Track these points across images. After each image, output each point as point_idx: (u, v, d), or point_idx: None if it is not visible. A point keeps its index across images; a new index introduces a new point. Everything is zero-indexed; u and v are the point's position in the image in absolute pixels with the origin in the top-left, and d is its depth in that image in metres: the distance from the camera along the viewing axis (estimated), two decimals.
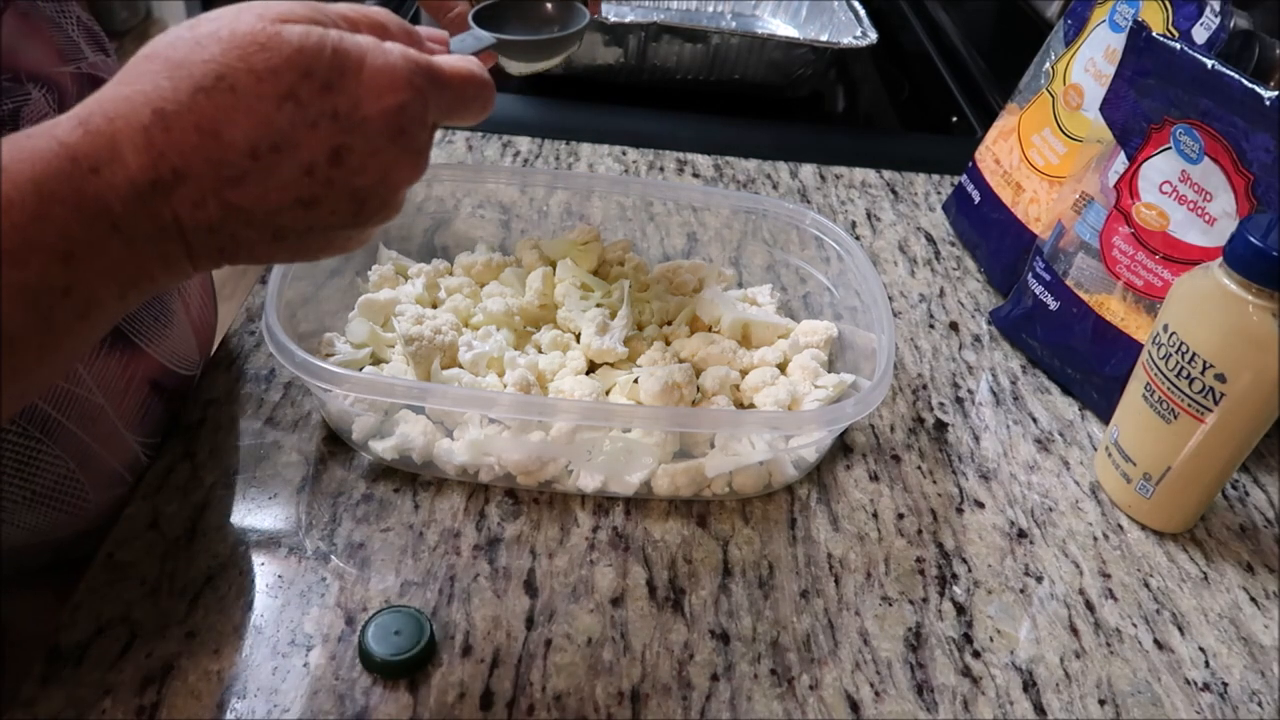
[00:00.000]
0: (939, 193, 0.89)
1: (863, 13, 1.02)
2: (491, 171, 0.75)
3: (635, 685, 0.46)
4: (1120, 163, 0.62)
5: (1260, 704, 0.49)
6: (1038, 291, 0.67)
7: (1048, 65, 0.74)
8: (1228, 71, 0.55)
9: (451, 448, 0.53)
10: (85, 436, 0.48)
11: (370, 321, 0.61)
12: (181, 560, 0.49)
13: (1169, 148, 0.59)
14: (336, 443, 0.56)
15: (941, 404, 0.65)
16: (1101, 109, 0.63)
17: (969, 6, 1.24)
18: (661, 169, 0.87)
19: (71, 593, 0.47)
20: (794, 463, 0.57)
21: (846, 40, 0.99)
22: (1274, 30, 0.67)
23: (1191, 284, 0.53)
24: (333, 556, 0.50)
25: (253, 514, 0.52)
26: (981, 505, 0.58)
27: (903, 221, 0.84)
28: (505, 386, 0.56)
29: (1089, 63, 0.70)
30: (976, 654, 0.50)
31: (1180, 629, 0.52)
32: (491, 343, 0.59)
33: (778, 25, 1.11)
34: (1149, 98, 0.60)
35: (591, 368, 0.61)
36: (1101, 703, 0.48)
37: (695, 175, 0.87)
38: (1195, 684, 0.50)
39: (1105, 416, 0.64)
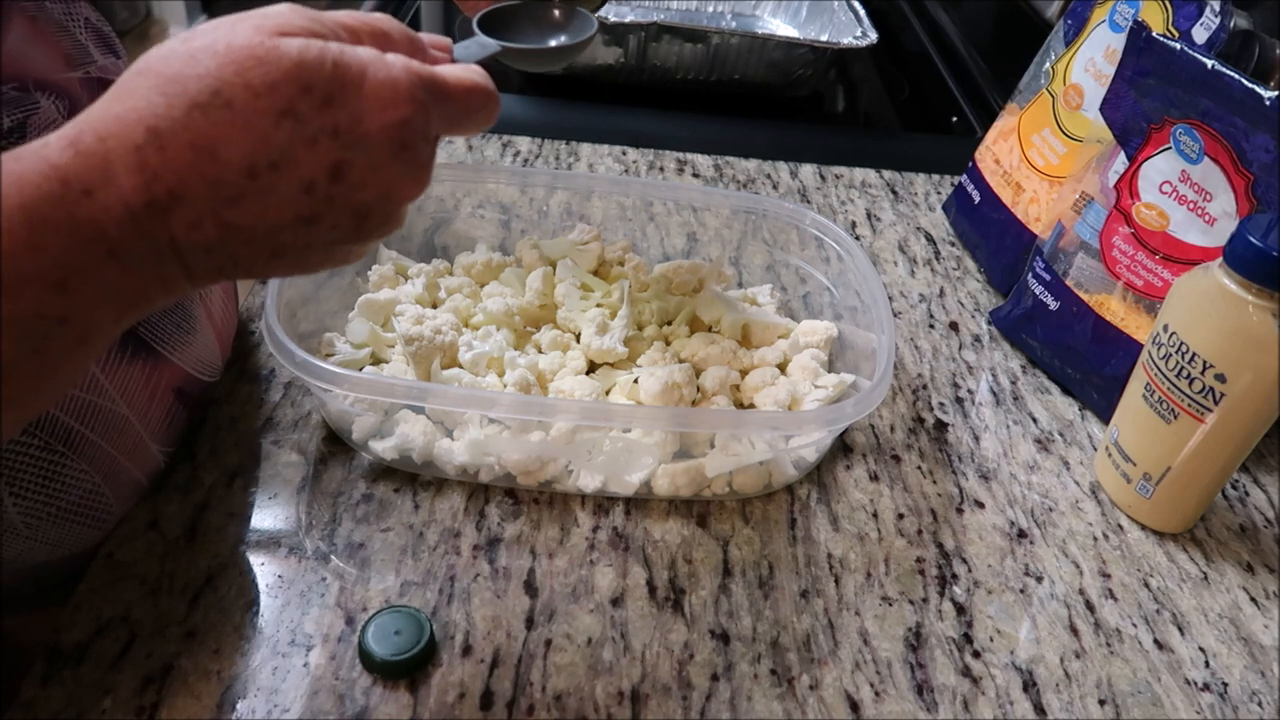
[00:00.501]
0: (939, 193, 0.89)
1: (863, 13, 1.02)
2: (491, 171, 0.75)
3: (635, 685, 0.46)
4: (1120, 163, 0.62)
5: (1260, 704, 0.49)
6: (1038, 291, 0.67)
7: (1048, 65, 0.74)
8: (1228, 71, 0.55)
9: (451, 448, 0.53)
10: (110, 448, 0.47)
11: (370, 321, 0.61)
12: (181, 560, 0.49)
13: (1169, 148, 0.59)
14: (336, 443, 0.56)
15: (941, 404, 0.65)
16: (1101, 109, 0.63)
17: (969, 6, 1.24)
18: (661, 169, 0.87)
19: (71, 593, 0.47)
20: (794, 463, 0.57)
21: (846, 40, 0.99)
22: (1274, 30, 0.67)
23: (1191, 284, 0.53)
24: (333, 556, 0.50)
25: (253, 514, 0.52)
26: (981, 505, 0.58)
27: (903, 221, 0.84)
28: (505, 386, 0.56)
29: (1089, 63, 0.70)
30: (976, 654, 0.50)
31: (1180, 629, 0.52)
32: (491, 343, 0.59)
33: (778, 25, 1.11)
34: (1149, 98, 0.60)
35: (591, 368, 0.61)
36: (1101, 703, 0.48)
37: (695, 175, 0.87)
38: (1195, 684, 0.50)
39: (1105, 416, 0.64)
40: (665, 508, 0.55)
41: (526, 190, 0.71)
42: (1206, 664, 0.51)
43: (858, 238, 0.81)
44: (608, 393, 0.59)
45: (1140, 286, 0.61)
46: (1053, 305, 0.66)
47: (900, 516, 0.57)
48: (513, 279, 0.66)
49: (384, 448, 0.54)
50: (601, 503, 0.55)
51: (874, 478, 0.59)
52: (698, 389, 0.59)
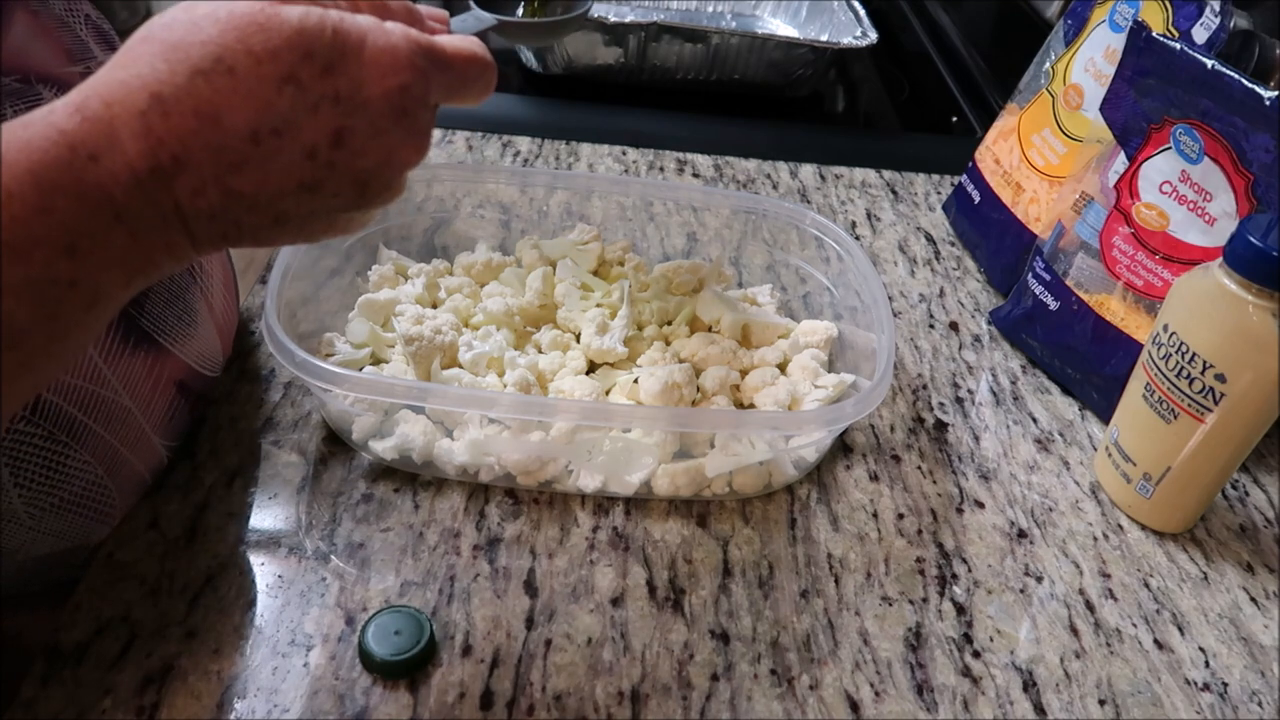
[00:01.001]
0: (939, 193, 0.89)
1: (863, 13, 1.02)
2: (491, 171, 0.75)
3: (635, 685, 0.46)
4: (1120, 163, 0.62)
5: (1260, 704, 0.49)
6: (1038, 291, 0.67)
7: (1048, 65, 0.74)
8: (1228, 71, 0.55)
9: (451, 448, 0.53)
10: (113, 440, 0.47)
11: (370, 321, 0.61)
12: (181, 560, 0.49)
13: (1169, 148, 0.59)
14: (336, 443, 0.56)
15: (941, 404, 0.65)
16: (1101, 109, 0.63)
17: (969, 6, 1.24)
18: (661, 169, 0.87)
19: (71, 593, 0.47)
20: (794, 463, 0.57)
21: (846, 40, 0.99)
22: (1274, 30, 0.67)
23: (1191, 284, 0.53)
24: (333, 556, 0.50)
25: (253, 514, 0.52)
26: (981, 505, 0.58)
27: (903, 221, 0.84)
28: (505, 386, 0.56)
29: (1089, 63, 0.70)
30: (976, 654, 0.50)
31: (1180, 629, 0.52)
32: (491, 343, 0.59)
33: (778, 25, 1.11)
34: (1149, 98, 0.60)
35: (591, 368, 0.61)
36: (1101, 703, 0.48)
37: (695, 175, 0.87)
38: (1195, 684, 0.50)
39: (1105, 416, 0.64)
40: (665, 508, 0.55)
41: (526, 190, 0.71)
42: (1206, 664, 0.51)
43: (858, 238, 0.81)
44: (608, 393, 0.59)
45: (1140, 286, 0.61)
46: (1053, 305, 0.66)
47: (900, 516, 0.57)
48: (513, 279, 0.66)
49: (384, 448, 0.54)
50: (601, 503, 0.55)
51: (874, 478, 0.59)
52: (698, 389, 0.59)
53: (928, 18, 1.25)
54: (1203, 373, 0.51)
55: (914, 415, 0.64)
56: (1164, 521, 0.58)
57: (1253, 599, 0.55)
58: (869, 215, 0.85)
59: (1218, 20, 0.60)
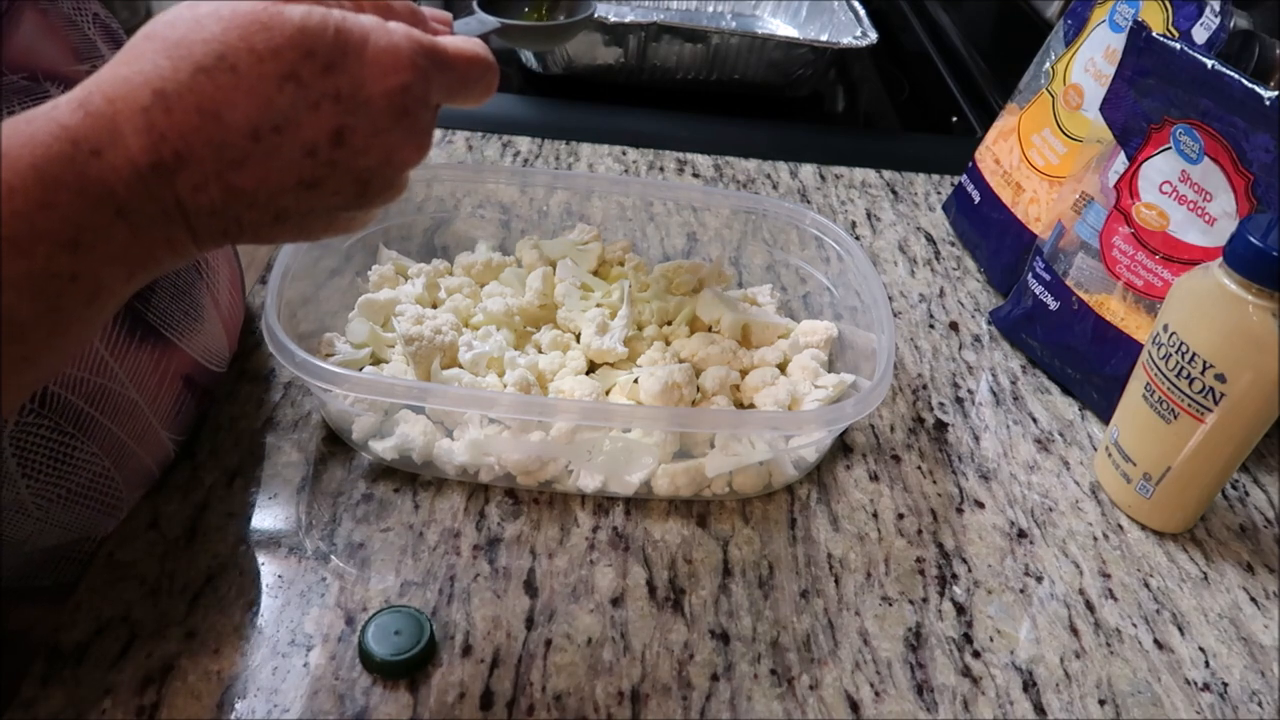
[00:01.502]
0: (939, 193, 0.89)
1: (863, 13, 1.02)
2: (491, 171, 0.75)
3: (635, 685, 0.46)
4: (1120, 163, 0.62)
5: (1260, 704, 0.49)
6: (1038, 291, 0.67)
7: (1048, 65, 0.74)
8: (1228, 71, 0.55)
9: (451, 448, 0.53)
10: (120, 433, 0.47)
11: (370, 321, 0.61)
12: (181, 560, 0.49)
13: (1169, 148, 0.59)
14: (336, 443, 0.56)
15: (941, 404, 0.65)
16: (1101, 109, 0.63)
17: (969, 6, 1.24)
18: (661, 169, 0.87)
19: (71, 593, 0.47)
20: (794, 463, 0.57)
21: (846, 40, 0.99)
22: (1274, 30, 0.67)
23: (1191, 284, 0.53)
24: (333, 556, 0.50)
25: (253, 514, 0.52)
26: (981, 505, 0.58)
27: (903, 221, 0.84)
28: (505, 386, 0.56)
29: (1089, 63, 0.70)
30: (976, 654, 0.50)
31: (1180, 629, 0.52)
32: (491, 343, 0.59)
33: (778, 25, 1.11)
34: (1149, 98, 0.60)
35: (591, 368, 0.61)
36: (1101, 703, 0.48)
37: (695, 175, 0.87)
38: (1195, 684, 0.50)
39: (1105, 416, 0.64)
40: (665, 508, 0.55)
41: (526, 190, 0.71)
42: (1206, 664, 0.51)
43: (858, 238, 0.81)
44: (608, 393, 0.59)
45: (1140, 286, 0.61)
46: (1053, 305, 0.66)
47: (900, 516, 0.57)
48: (513, 279, 0.66)
49: (384, 448, 0.54)
50: (601, 503, 0.55)
51: (874, 478, 0.59)
52: (698, 389, 0.59)
53: (928, 18, 1.25)
54: (1203, 373, 0.51)
55: (914, 415, 0.64)
56: (1164, 521, 0.58)
57: (1253, 599, 0.55)
58: (869, 215, 0.85)
59: (1218, 20, 0.60)
